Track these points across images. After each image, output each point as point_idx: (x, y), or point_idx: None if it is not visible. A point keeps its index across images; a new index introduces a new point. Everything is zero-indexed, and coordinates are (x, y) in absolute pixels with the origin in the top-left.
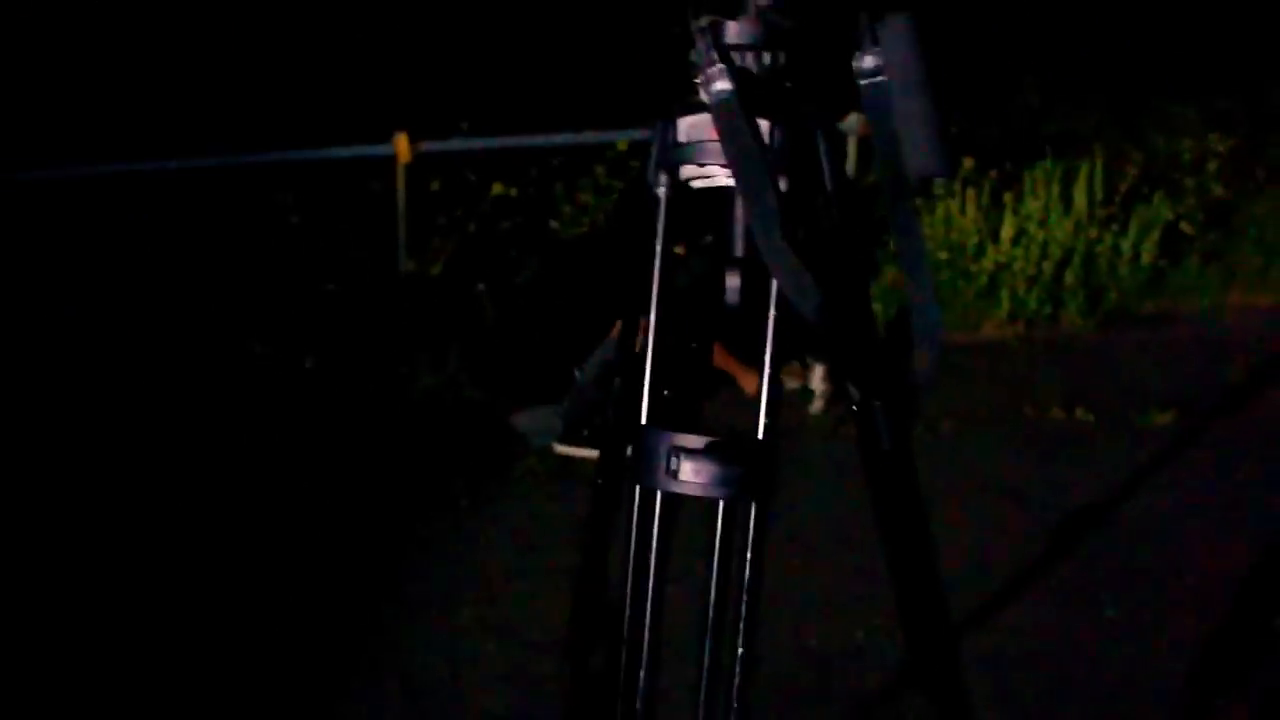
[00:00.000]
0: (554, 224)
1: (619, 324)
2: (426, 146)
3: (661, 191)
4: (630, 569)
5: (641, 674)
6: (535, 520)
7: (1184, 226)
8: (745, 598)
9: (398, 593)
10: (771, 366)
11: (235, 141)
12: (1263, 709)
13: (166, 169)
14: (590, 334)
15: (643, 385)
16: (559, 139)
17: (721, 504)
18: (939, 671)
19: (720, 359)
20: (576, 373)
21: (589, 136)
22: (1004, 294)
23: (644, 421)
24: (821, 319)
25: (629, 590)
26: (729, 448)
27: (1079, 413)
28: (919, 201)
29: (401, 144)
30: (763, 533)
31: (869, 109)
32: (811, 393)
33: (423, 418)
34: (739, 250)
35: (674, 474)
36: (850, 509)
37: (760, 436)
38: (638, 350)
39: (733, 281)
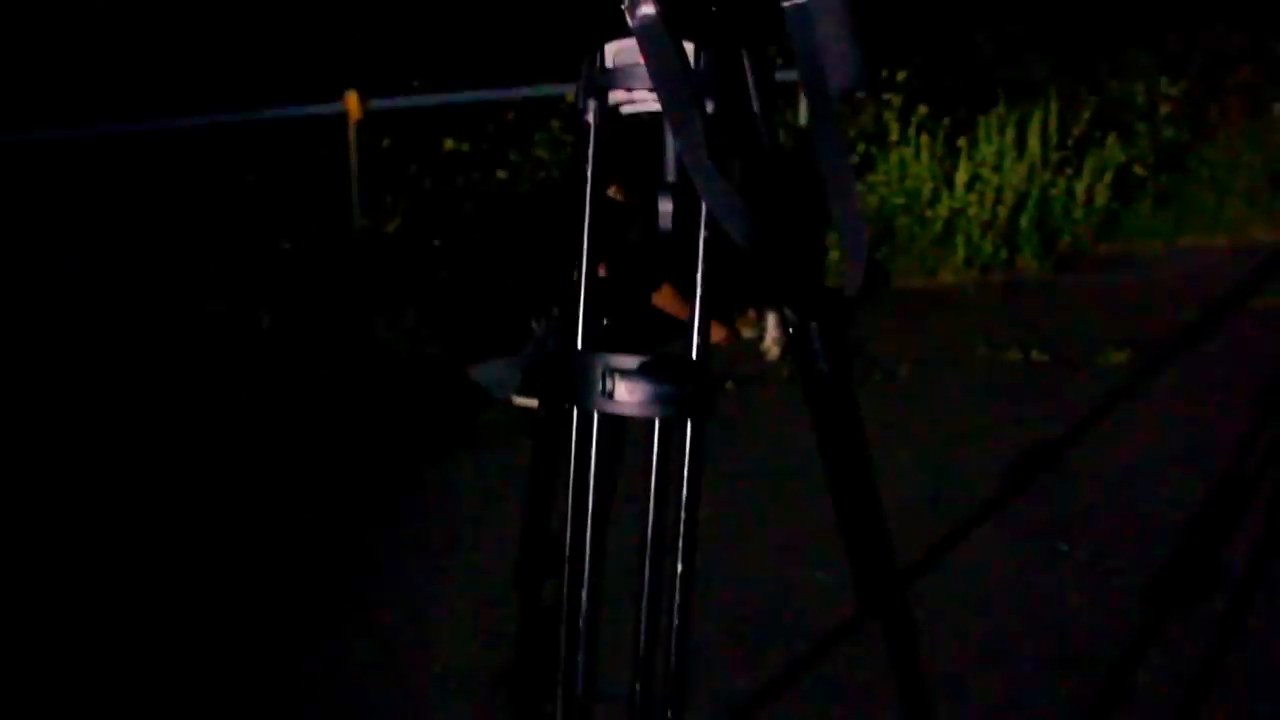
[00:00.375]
0: (502, 174)
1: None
2: (377, 104)
3: (590, 118)
4: (570, 492)
5: (583, 595)
6: (495, 470)
7: (1137, 169)
8: (684, 516)
9: (361, 546)
10: (704, 288)
11: (188, 103)
12: (1211, 639)
13: (120, 132)
14: (547, 285)
15: (579, 311)
16: (511, 93)
17: (657, 423)
18: (881, 596)
19: (678, 307)
20: (534, 324)
21: (542, 90)
22: (960, 239)
23: (579, 345)
24: (751, 240)
25: (569, 513)
26: (663, 367)
27: (1035, 354)
28: (874, 149)
29: (352, 102)
30: (699, 451)
31: (792, 28)
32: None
33: (381, 374)
34: (671, 176)
35: (609, 395)
36: (809, 452)
37: (694, 356)
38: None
39: (665, 207)
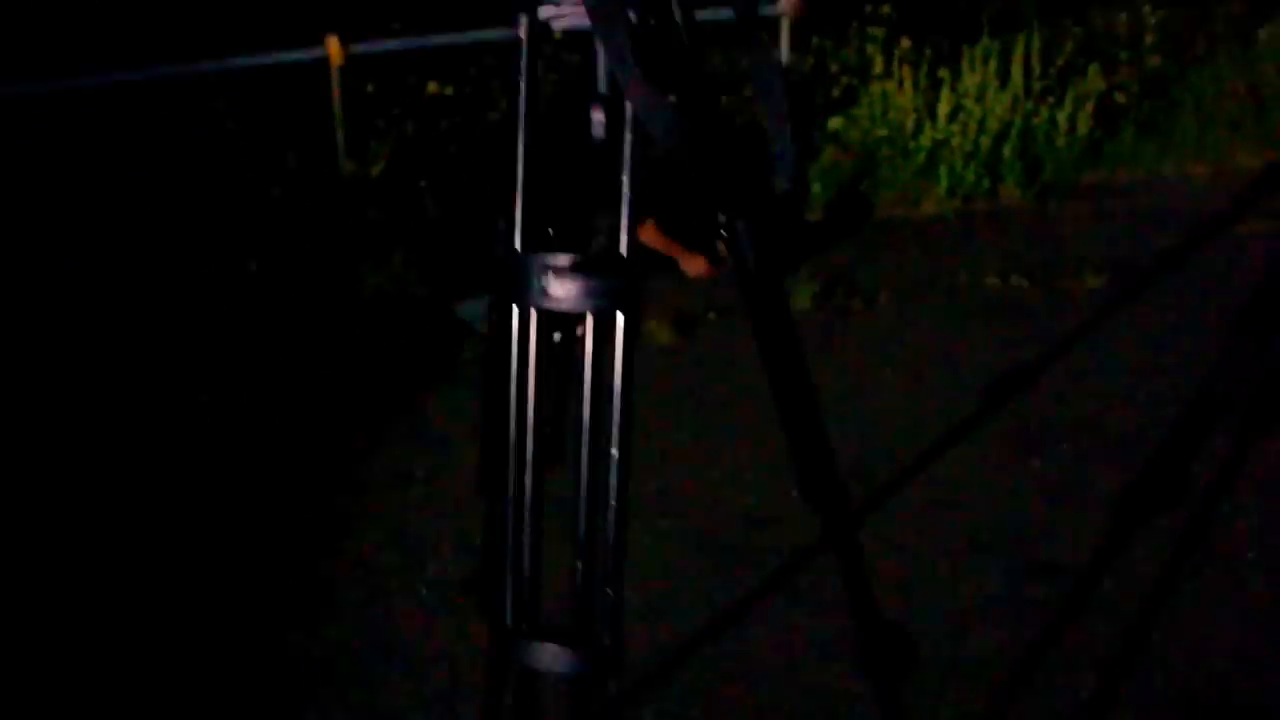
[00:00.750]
0: (493, 115)
1: None
2: (358, 48)
3: (522, 32)
4: (514, 386)
5: (527, 480)
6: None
7: (1118, 97)
8: (618, 404)
9: (349, 477)
10: (630, 189)
11: (166, 51)
12: (1175, 548)
13: (97, 84)
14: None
15: (516, 215)
16: (492, 34)
17: (590, 317)
18: (820, 490)
19: (661, 242)
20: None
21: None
22: (942, 170)
23: (518, 247)
24: (676, 141)
25: (513, 405)
26: (594, 264)
27: (1013, 280)
28: (856, 82)
29: (333, 46)
30: (631, 342)
31: None
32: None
33: (370, 314)
34: (603, 88)
35: (545, 292)
36: (759, 376)
37: (623, 253)
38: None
39: (597, 117)
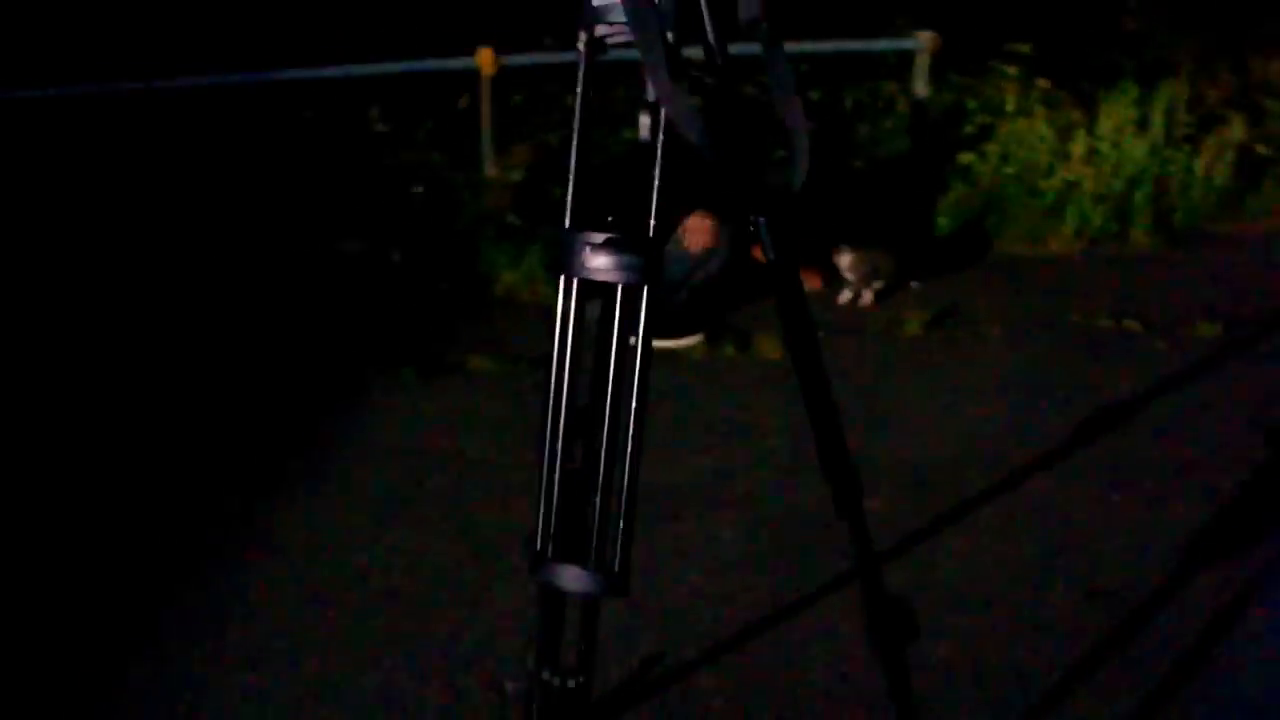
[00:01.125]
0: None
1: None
2: (509, 60)
3: (581, 47)
4: (554, 342)
5: (561, 424)
6: None
7: (1259, 148)
8: (639, 359)
9: (462, 448)
10: (661, 180)
11: (325, 56)
12: (1241, 590)
13: (250, 82)
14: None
15: (568, 198)
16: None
17: (621, 287)
18: (835, 466)
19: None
20: None
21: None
22: (1071, 211)
23: (566, 225)
24: (704, 143)
25: (553, 358)
26: (625, 242)
27: (1126, 323)
28: (989, 119)
29: (486, 57)
30: (654, 310)
31: None
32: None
33: (500, 310)
34: (650, 97)
35: (584, 264)
36: (860, 393)
37: (650, 235)
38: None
39: (644, 120)
